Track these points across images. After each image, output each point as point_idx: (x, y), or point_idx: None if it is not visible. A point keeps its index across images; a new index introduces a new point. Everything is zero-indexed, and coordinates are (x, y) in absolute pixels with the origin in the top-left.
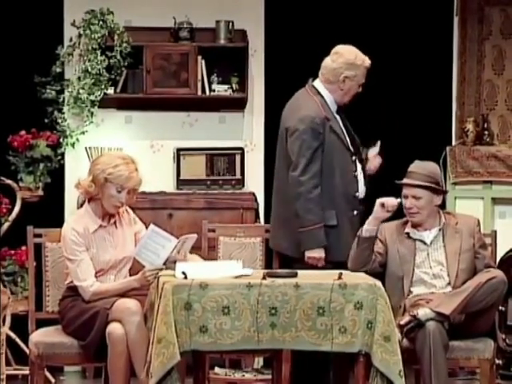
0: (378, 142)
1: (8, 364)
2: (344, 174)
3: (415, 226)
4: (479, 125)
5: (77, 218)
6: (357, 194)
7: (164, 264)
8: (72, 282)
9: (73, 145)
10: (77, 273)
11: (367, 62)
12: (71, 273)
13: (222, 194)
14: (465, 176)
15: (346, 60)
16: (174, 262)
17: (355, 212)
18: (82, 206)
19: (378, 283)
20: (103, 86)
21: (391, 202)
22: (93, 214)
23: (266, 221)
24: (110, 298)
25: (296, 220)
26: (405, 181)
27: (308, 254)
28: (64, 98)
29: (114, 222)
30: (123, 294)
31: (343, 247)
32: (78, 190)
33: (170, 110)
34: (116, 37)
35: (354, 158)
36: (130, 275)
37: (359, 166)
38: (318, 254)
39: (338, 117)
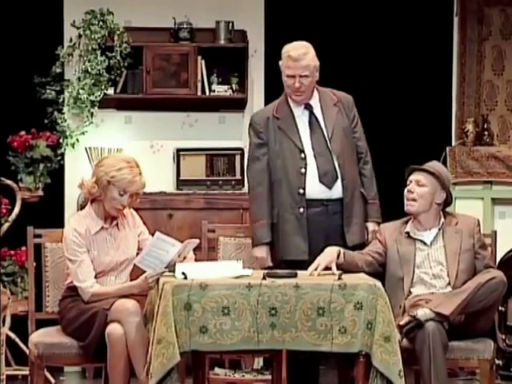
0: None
1: (8, 364)
2: (289, 171)
3: (416, 224)
4: (479, 125)
5: (79, 219)
6: (301, 191)
7: (166, 268)
8: (72, 282)
9: (73, 145)
10: (77, 273)
11: (290, 52)
12: (71, 273)
13: (221, 194)
14: (465, 176)
15: None
16: (174, 265)
17: (301, 209)
18: (81, 206)
19: (378, 283)
20: (103, 87)
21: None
22: (95, 215)
23: None
24: (109, 299)
25: None
26: (414, 166)
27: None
28: (64, 99)
29: (117, 224)
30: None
31: (287, 245)
32: (82, 189)
33: (169, 111)
34: (116, 37)
35: (303, 155)
36: (131, 277)
37: (313, 164)
38: (257, 253)
39: (303, 113)
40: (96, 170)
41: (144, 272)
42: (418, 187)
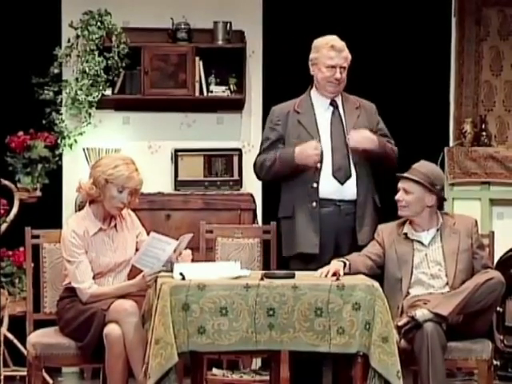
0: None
1: (6, 365)
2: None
3: (413, 225)
4: (477, 126)
5: (77, 220)
6: (314, 185)
7: (163, 266)
8: (70, 283)
9: (70, 146)
10: (75, 274)
11: (332, 43)
12: (69, 274)
13: (219, 194)
14: (462, 177)
15: (312, 46)
16: (171, 263)
17: (314, 203)
18: (80, 207)
19: (376, 284)
20: (101, 87)
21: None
22: (93, 216)
23: (264, 222)
24: (107, 300)
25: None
26: (401, 174)
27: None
28: (62, 99)
29: (115, 226)
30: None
31: (299, 238)
32: (80, 192)
33: (167, 111)
34: (114, 38)
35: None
36: (129, 278)
37: (328, 159)
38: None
39: (328, 109)
40: (93, 171)
41: (141, 271)
42: (406, 195)
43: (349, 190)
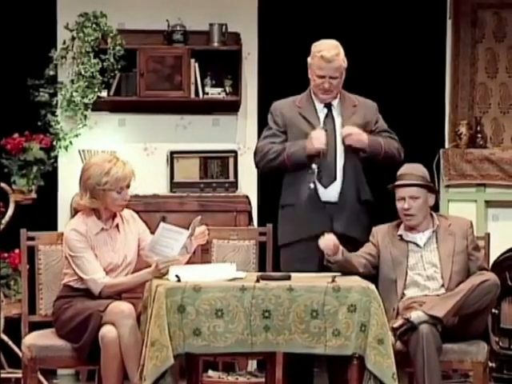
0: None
1: (1, 367)
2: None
3: (409, 228)
4: (472, 128)
5: (79, 220)
6: (310, 171)
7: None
8: (69, 281)
9: (66, 148)
10: (85, 267)
11: (322, 53)
12: (79, 269)
13: (215, 196)
14: (458, 179)
15: (311, 47)
16: (187, 248)
17: (311, 185)
18: (75, 209)
19: (372, 286)
20: (96, 89)
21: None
22: (95, 217)
23: (260, 223)
24: (121, 291)
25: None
26: (402, 182)
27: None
28: (57, 101)
29: (117, 226)
30: (119, 297)
31: (303, 221)
32: (80, 211)
33: (163, 113)
34: (109, 40)
35: None
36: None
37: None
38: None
39: (322, 111)
40: (85, 185)
41: (146, 267)
42: (413, 201)
43: (333, 193)
